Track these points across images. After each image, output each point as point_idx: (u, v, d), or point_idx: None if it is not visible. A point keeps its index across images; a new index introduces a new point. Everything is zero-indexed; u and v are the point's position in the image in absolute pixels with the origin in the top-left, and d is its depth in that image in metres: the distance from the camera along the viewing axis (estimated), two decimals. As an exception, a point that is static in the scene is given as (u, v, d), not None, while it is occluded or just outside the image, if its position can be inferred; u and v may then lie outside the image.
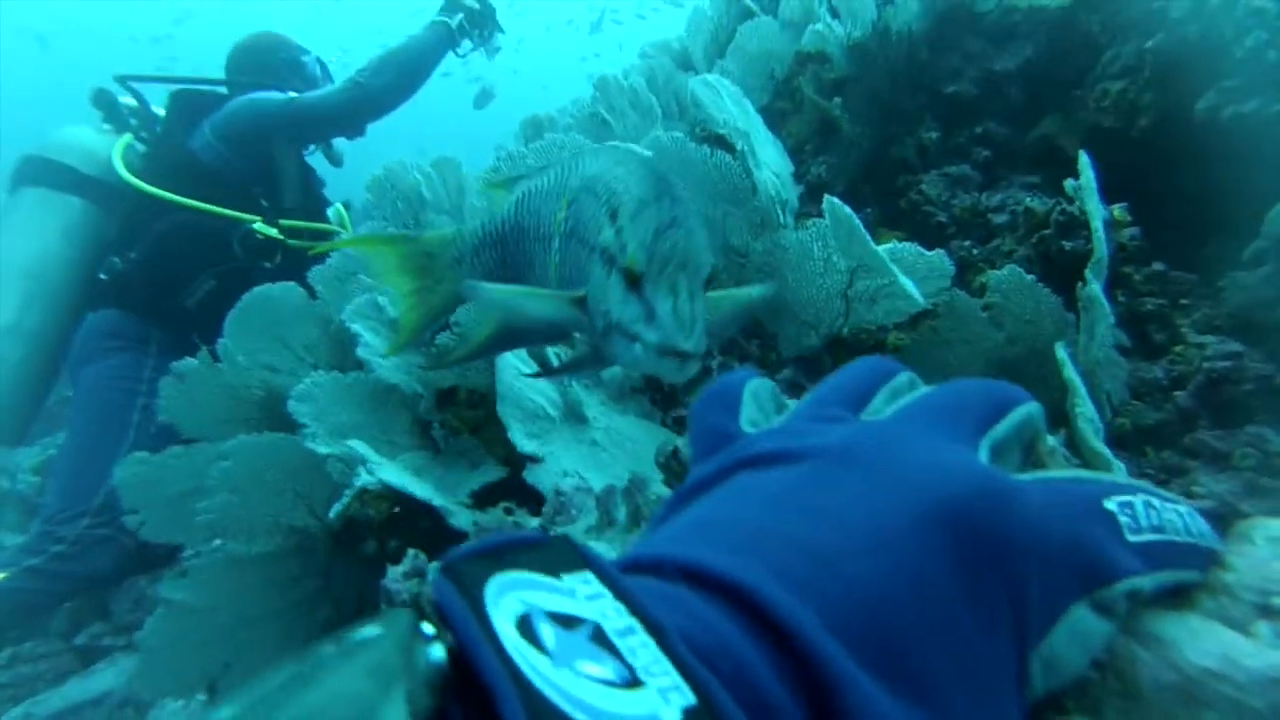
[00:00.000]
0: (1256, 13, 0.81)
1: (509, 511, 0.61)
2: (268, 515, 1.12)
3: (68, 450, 1.55)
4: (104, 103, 1.76)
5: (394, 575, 0.62)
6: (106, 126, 1.76)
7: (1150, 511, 0.24)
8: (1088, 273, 0.82)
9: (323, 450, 1.00)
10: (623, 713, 0.16)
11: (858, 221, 0.89)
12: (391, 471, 0.92)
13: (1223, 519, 0.27)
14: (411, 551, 0.65)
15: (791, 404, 0.33)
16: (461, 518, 0.84)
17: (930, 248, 0.98)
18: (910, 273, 0.95)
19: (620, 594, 0.18)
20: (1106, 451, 0.74)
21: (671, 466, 0.56)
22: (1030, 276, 0.92)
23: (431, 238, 0.63)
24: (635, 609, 0.18)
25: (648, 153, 0.51)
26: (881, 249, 0.94)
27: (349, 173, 2.09)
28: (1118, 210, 0.95)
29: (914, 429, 0.26)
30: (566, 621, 0.18)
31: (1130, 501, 0.24)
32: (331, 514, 0.83)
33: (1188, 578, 0.25)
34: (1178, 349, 0.85)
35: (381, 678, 0.16)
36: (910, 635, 0.20)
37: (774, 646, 0.19)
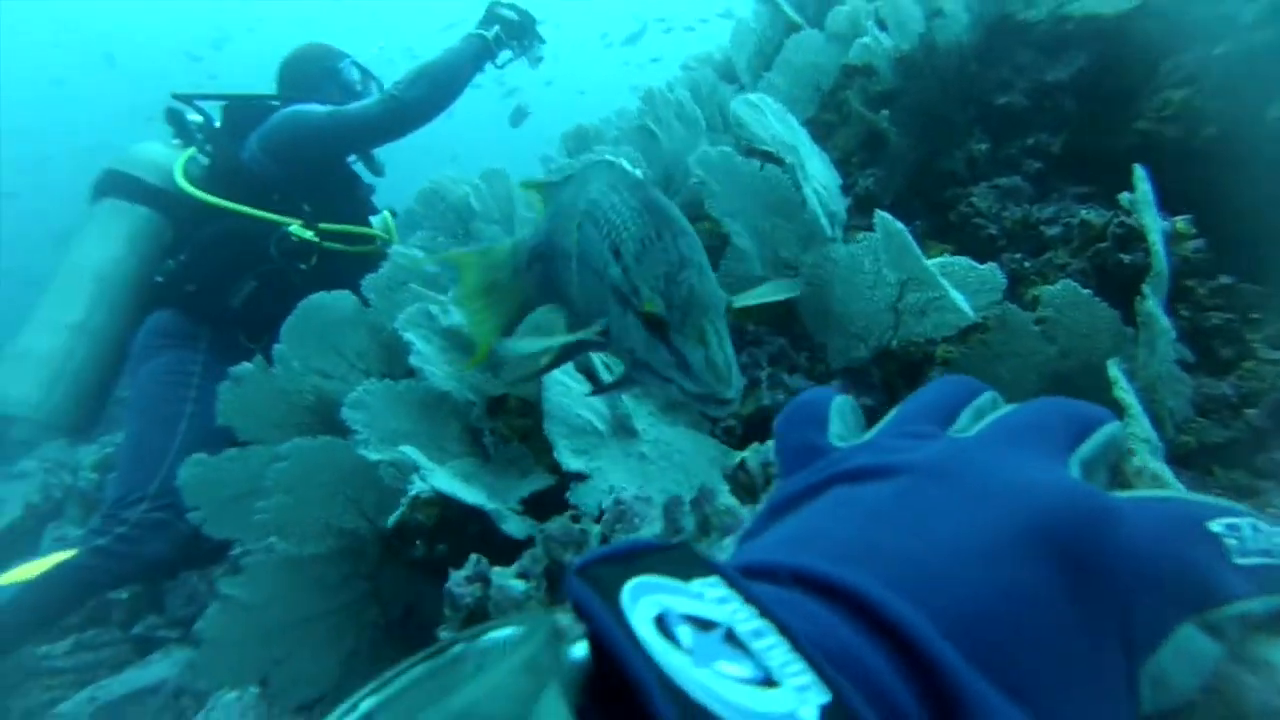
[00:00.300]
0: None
1: (575, 519, 0.62)
2: (320, 518, 1.16)
3: (126, 442, 1.65)
4: (174, 119, 1.90)
5: (457, 580, 0.64)
6: (176, 141, 1.88)
7: (1259, 535, 0.24)
8: (1145, 287, 0.80)
9: (374, 457, 1.03)
10: (764, 710, 0.16)
11: (909, 236, 0.89)
12: (443, 478, 0.94)
13: None
14: (474, 556, 0.66)
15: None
16: (512, 523, 0.85)
17: (980, 260, 0.96)
18: (962, 286, 0.94)
19: (748, 598, 0.19)
20: (1167, 472, 0.72)
21: (739, 478, 0.57)
22: (1086, 291, 0.90)
23: (499, 250, 0.64)
24: (764, 612, 0.19)
25: (637, 172, 0.51)
26: (933, 263, 0.93)
27: (386, 181, 2.15)
28: (1181, 222, 0.93)
29: (1005, 446, 0.26)
30: (701, 623, 0.18)
31: (1236, 524, 0.24)
32: (389, 523, 0.86)
33: None
34: (1248, 365, 0.82)
35: (536, 674, 0.17)
36: (1018, 646, 0.20)
37: (894, 652, 0.19)
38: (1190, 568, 0.23)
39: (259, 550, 1.18)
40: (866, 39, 1.25)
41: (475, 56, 1.87)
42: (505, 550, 0.80)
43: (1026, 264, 1.11)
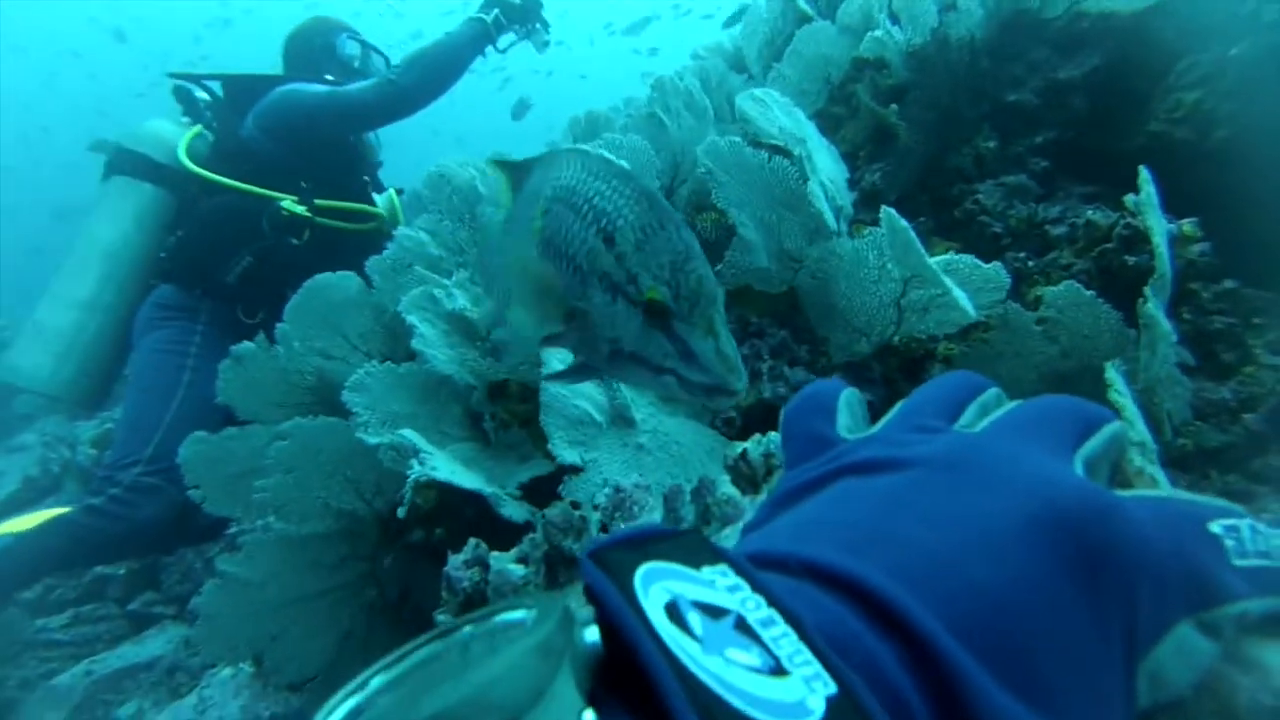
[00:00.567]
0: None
1: (575, 505, 0.62)
2: (319, 497, 1.16)
3: (124, 410, 1.68)
4: (183, 96, 1.91)
5: (455, 564, 0.64)
6: (185, 119, 1.88)
7: (1257, 537, 0.24)
8: (1148, 290, 0.80)
9: (373, 440, 1.03)
10: (773, 699, 0.17)
11: (913, 235, 0.88)
12: (442, 463, 0.94)
13: None
14: (472, 541, 0.66)
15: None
16: (510, 507, 0.85)
17: (985, 258, 0.96)
18: (966, 284, 0.94)
19: (757, 587, 0.19)
20: (1162, 476, 0.72)
21: (740, 468, 0.57)
22: (1089, 292, 0.90)
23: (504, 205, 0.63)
24: (773, 601, 0.19)
25: (623, 163, 0.49)
26: (938, 260, 0.93)
27: (396, 163, 2.14)
28: (1188, 225, 0.93)
29: (1013, 441, 0.26)
30: (711, 611, 0.19)
31: (1236, 526, 0.24)
32: (400, 513, 0.86)
33: None
34: (1248, 369, 0.82)
35: (550, 657, 0.17)
36: (1026, 639, 0.20)
37: (900, 644, 0.19)
38: (1192, 567, 0.23)
39: (257, 529, 1.19)
40: (879, 32, 1.24)
41: (474, 41, 1.85)
42: (504, 534, 0.80)
43: (1030, 263, 1.11)
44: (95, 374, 1.74)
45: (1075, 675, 0.21)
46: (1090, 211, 1.08)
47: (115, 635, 1.88)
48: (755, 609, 0.19)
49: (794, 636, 0.18)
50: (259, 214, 1.73)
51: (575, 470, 0.91)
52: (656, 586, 0.19)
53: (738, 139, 1.05)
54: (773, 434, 0.60)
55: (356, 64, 2.02)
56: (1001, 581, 0.21)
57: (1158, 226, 0.81)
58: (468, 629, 0.21)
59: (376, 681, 0.19)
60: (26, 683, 1.74)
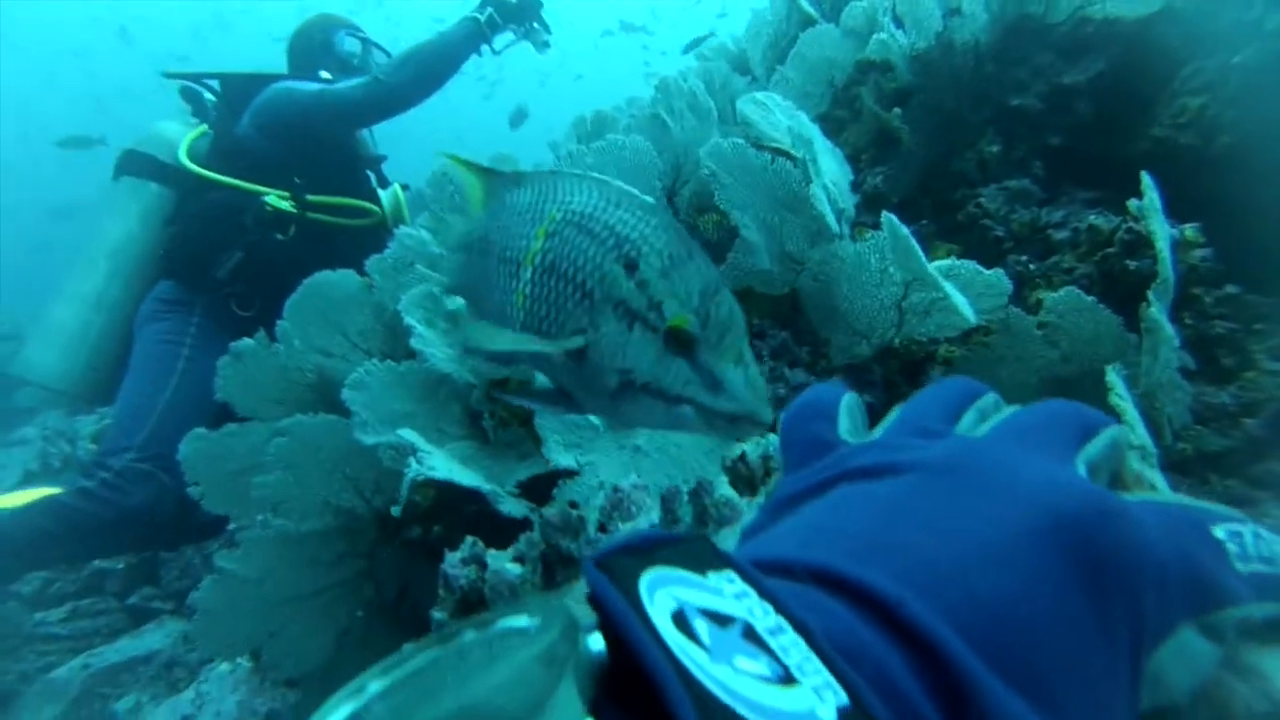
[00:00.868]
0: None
1: (574, 505, 0.62)
2: (319, 495, 1.16)
3: (121, 398, 1.70)
4: (190, 96, 1.94)
5: (452, 561, 0.64)
6: (194, 120, 1.90)
7: (1260, 542, 0.24)
8: (1151, 294, 0.80)
9: (369, 441, 1.03)
10: (783, 709, 0.16)
11: (913, 241, 0.88)
12: (441, 461, 0.94)
13: None
14: (469, 539, 0.66)
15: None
16: (509, 504, 0.85)
17: (987, 263, 0.96)
18: (967, 289, 0.94)
19: (765, 594, 0.19)
20: (1161, 480, 0.72)
21: (739, 470, 0.57)
22: (1090, 298, 0.90)
23: (464, 218, 0.62)
24: (781, 609, 0.19)
25: (649, 199, 0.48)
26: (939, 264, 0.93)
27: (404, 162, 2.14)
28: (1190, 230, 0.93)
29: (1014, 445, 0.26)
30: (718, 619, 0.18)
31: (1239, 531, 0.24)
32: (394, 511, 0.86)
33: None
34: (1249, 375, 0.82)
35: (553, 666, 0.17)
36: (1036, 645, 0.20)
37: (909, 650, 0.19)
38: (1195, 570, 0.23)
39: (255, 525, 1.19)
40: (883, 35, 1.24)
41: (466, 40, 1.84)
42: (502, 532, 0.80)
43: (1032, 267, 1.11)
44: (102, 368, 1.76)
45: (1081, 680, 0.20)
46: (1093, 216, 1.08)
47: (114, 629, 1.89)
48: (763, 616, 0.19)
49: (803, 644, 0.18)
50: (244, 209, 1.75)
51: (571, 474, 0.90)
52: (662, 593, 0.19)
53: (741, 141, 1.05)
54: (771, 436, 0.60)
55: (356, 61, 2.02)
56: (1008, 587, 0.21)
57: (1160, 231, 0.81)
58: (469, 634, 0.21)
59: (374, 687, 0.19)
60: (25, 676, 1.74)
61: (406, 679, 0.19)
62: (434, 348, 1.08)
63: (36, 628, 1.86)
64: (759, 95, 1.10)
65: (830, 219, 1.00)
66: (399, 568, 1.22)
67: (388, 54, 2.10)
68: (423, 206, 1.80)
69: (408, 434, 0.98)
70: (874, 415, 0.32)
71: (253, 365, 1.31)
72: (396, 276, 1.27)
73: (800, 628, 0.19)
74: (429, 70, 1.81)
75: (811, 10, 1.51)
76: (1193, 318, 0.91)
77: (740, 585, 0.20)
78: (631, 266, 0.45)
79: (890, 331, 0.99)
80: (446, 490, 1.07)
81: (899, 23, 1.27)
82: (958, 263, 0.95)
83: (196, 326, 1.72)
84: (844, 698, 0.17)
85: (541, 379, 0.99)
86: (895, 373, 1.01)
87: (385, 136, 2.15)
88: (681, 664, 0.17)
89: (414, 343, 1.09)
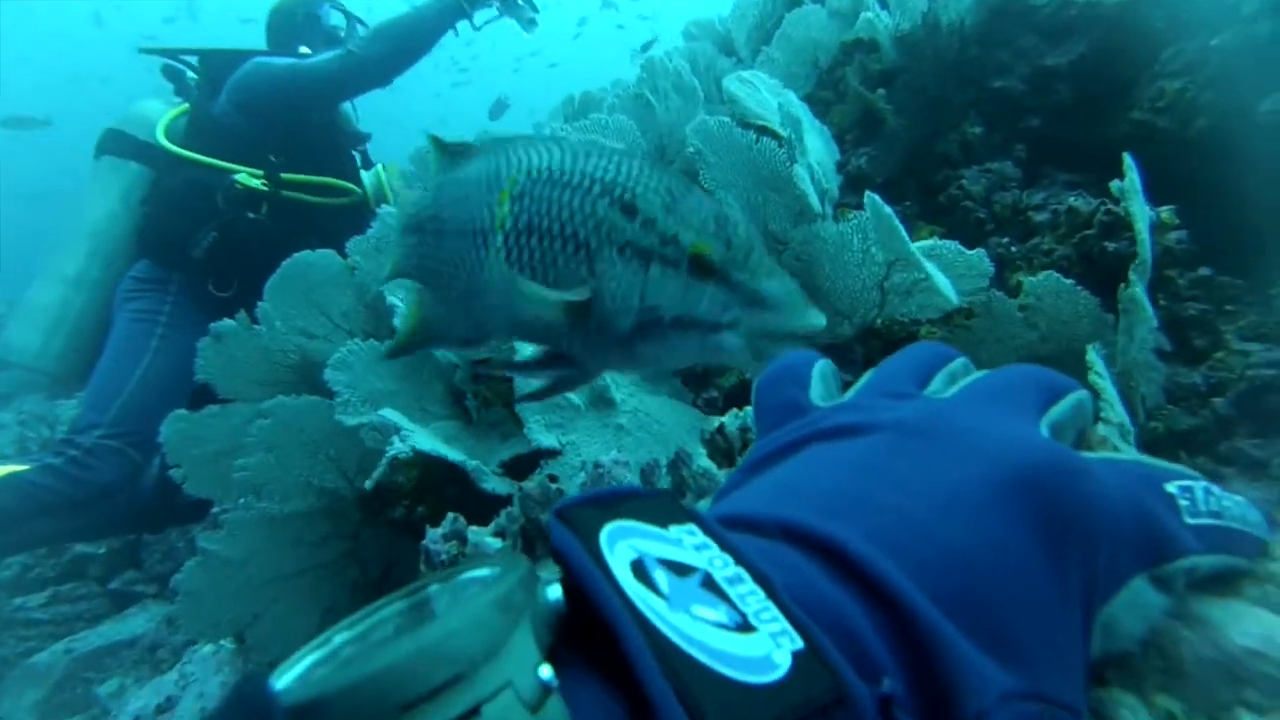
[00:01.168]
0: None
1: (553, 479, 0.62)
2: (301, 476, 1.16)
3: (94, 376, 1.68)
4: (172, 75, 1.91)
5: (433, 537, 0.64)
6: (177, 99, 1.87)
7: (1210, 497, 0.25)
8: (1132, 275, 0.81)
9: (351, 422, 1.03)
10: (738, 654, 0.17)
11: (896, 221, 0.89)
12: (424, 438, 0.94)
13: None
14: (451, 515, 0.67)
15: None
16: (492, 482, 0.86)
17: (969, 244, 0.97)
18: (949, 270, 0.94)
19: (726, 546, 0.19)
20: (1141, 456, 0.73)
21: (716, 442, 0.58)
22: (1069, 281, 0.91)
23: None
24: (741, 560, 0.19)
25: (618, 145, 0.47)
26: (921, 245, 0.94)
27: (391, 143, 2.11)
28: (1166, 213, 0.94)
29: (980, 406, 0.27)
30: (678, 569, 0.19)
31: (1190, 486, 0.25)
32: (367, 485, 0.86)
33: (1239, 563, 0.25)
34: (1219, 355, 0.84)
35: (509, 612, 0.17)
36: (996, 596, 0.21)
37: (868, 601, 0.20)
38: (1146, 524, 0.24)
39: (238, 506, 1.18)
40: (869, 14, 1.23)
41: (443, 14, 1.79)
42: (485, 512, 0.80)
43: (1013, 249, 1.12)
44: (83, 349, 1.75)
45: (1039, 628, 0.21)
46: (1072, 198, 1.09)
47: (96, 614, 1.88)
48: (723, 567, 0.19)
49: (761, 594, 0.18)
50: (218, 188, 1.72)
51: (553, 454, 0.91)
52: (622, 544, 0.19)
53: (727, 119, 1.05)
54: (749, 408, 0.61)
55: (342, 34, 1.99)
56: (971, 542, 0.22)
57: (1140, 213, 0.82)
58: (434, 586, 0.21)
59: (339, 638, 0.19)
60: (4, 661, 1.73)
61: (370, 628, 0.19)
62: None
63: (16, 613, 1.84)
64: (745, 73, 1.10)
65: (813, 199, 1.00)
66: (383, 548, 1.23)
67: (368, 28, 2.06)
68: (406, 185, 1.77)
69: (390, 414, 0.97)
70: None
71: (234, 346, 1.29)
72: (378, 257, 1.26)
73: (760, 578, 0.19)
74: (404, 44, 1.77)
75: (798, -11, 1.50)
76: (1166, 299, 0.92)
77: (701, 538, 0.20)
78: (629, 209, 0.44)
79: (872, 312, 1.00)
80: (430, 471, 1.07)
81: (884, 3, 1.27)
82: (939, 243, 0.96)
83: (171, 305, 1.71)
84: (800, 643, 0.17)
85: (524, 351, 0.99)
86: (877, 352, 1.02)
87: (369, 123, 2.12)
88: (638, 610, 0.17)
89: (397, 321, 1.09)
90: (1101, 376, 0.75)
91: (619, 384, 0.99)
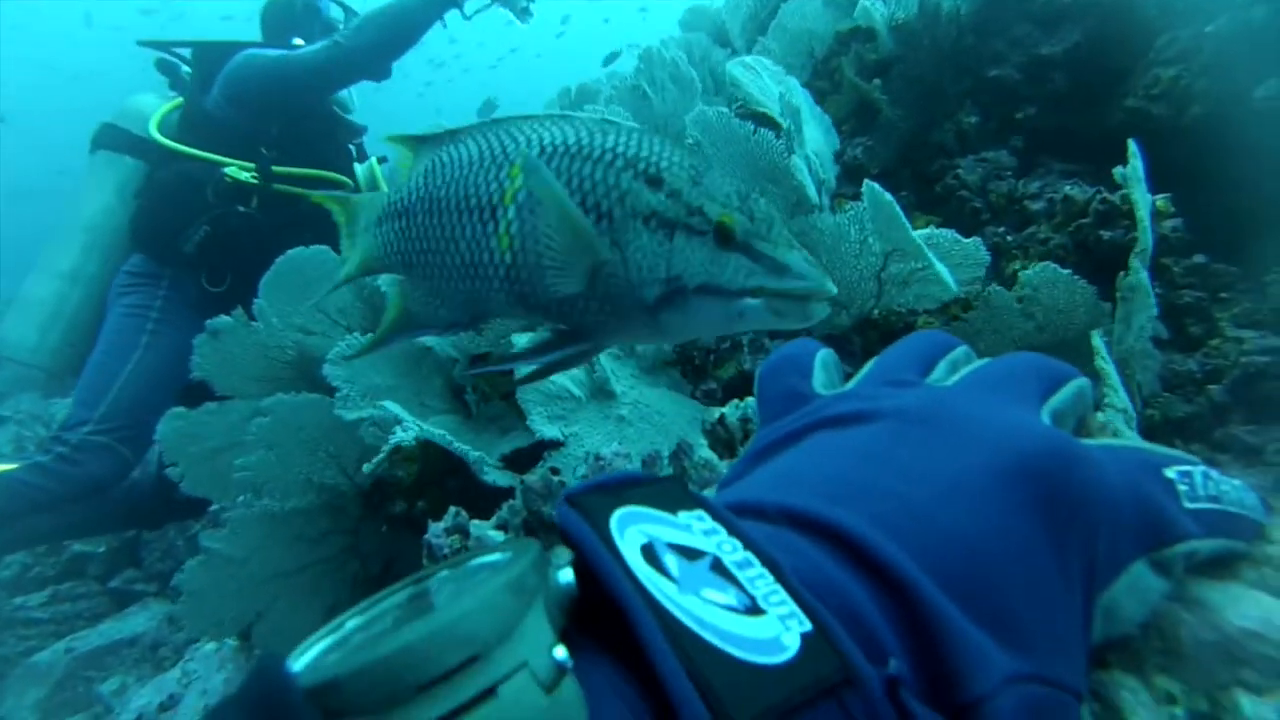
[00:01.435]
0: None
1: (555, 471, 0.63)
2: (301, 473, 1.16)
3: (85, 372, 1.68)
4: (167, 69, 1.89)
5: (435, 531, 0.64)
6: (171, 92, 1.85)
7: (1208, 482, 0.26)
8: (1134, 261, 0.81)
9: (350, 417, 1.03)
10: (748, 635, 0.17)
11: (898, 209, 0.89)
12: (426, 427, 0.94)
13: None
14: (453, 508, 0.67)
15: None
16: (494, 474, 0.86)
17: (965, 233, 0.97)
18: (945, 259, 0.95)
19: (734, 531, 0.20)
20: (1140, 441, 0.73)
21: (717, 433, 0.58)
22: (1065, 271, 0.92)
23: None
24: (750, 544, 0.19)
25: (632, 123, 0.49)
26: (918, 234, 0.94)
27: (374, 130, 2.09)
28: (1160, 200, 0.94)
29: (984, 394, 0.27)
30: (687, 553, 0.19)
31: (1189, 471, 0.25)
32: (366, 469, 0.86)
33: (1237, 546, 0.26)
34: (1214, 342, 0.84)
35: (522, 594, 0.17)
36: (999, 581, 0.21)
37: (874, 585, 0.20)
38: (1146, 509, 0.24)
39: (239, 504, 1.18)
40: (866, 2, 1.23)
41: (433, 4, 1.76)
42: (486, 507, 0.81)
43: (1009, 238, 1.12)
44: (79, 344, 1.74)
45: (1041, 612, 0.21)
46: (1068, 187, 1.09)
47: (96, 613, 1.88)
48: (732, 552, 0.19)
49: (770, 578, 0.19)
50: (208, 182, 1.71)
51: (556, 445, 0.91)
52: (633, 529, 0.20)
53: (725, 110, 1.05)
54: (750, 399, 0.61)
55: (342, 25, 1.97)
56: (975, 527, 0.22)
57: (1142, 200, 0.82)
58: (444, 572, 0.21)
59: (351, 623, 0.20)
60: (5, 660, 1.73)
61: (382, 614, 0.19)
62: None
63: (16, 612, 1.84)
64: (748, 59, 1.09)
65: (810, 190, 1.00)
66: (383, 544, 1.23)
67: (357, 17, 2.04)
68: (398, 179, 1.76)
69: (391, 406, 0.97)
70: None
71: (231, 343, 1.29)
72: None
73: (768, 562, 0.19)
74: (391, 34, 1.75)
75: (792, -21, 1.49)
76: (1162, 287, 0.93)
77: (710, 523, 0.20)
78: (655, 181, 0.45)
79: (869, 302, 1.00)
80: (430, 465, 1.07)
81: (880, -8, 1.26)
82: (936, 232, 0.96)
83: (163, 300, 1.70)
84: (808, 625, 0.18)
85: (520, 342, 0.99)
86: (875, 343, 1.02)
87: (365, 116, 2.10)
88: (650, 593, 0.17)
89: (393, 318, 1.08)
90: (1106, 361, 0.76)
91: (619, 375, 0.99)
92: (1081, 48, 1.22)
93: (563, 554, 0.20)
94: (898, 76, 1.29)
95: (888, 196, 0.89)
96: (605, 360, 0.97)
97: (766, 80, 1.10)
